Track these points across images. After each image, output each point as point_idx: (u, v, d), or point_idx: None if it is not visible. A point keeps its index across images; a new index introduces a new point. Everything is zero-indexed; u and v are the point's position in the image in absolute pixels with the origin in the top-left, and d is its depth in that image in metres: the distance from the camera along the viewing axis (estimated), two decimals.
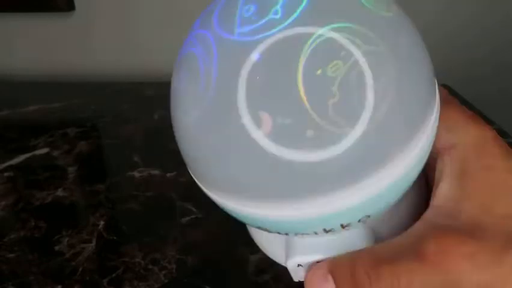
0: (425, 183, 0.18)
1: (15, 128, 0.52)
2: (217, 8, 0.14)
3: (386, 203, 0.14)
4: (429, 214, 0.15)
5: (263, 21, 0.12)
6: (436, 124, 0.15)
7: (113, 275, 0.29)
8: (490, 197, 0.15)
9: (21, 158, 0.44)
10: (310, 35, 0.12)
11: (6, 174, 0.41)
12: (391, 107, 0.12)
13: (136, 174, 0.41)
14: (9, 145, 0.47)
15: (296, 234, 0.15)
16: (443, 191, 0.15)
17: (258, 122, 0.12)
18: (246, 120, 0.12)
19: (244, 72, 0.12)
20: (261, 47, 0.12)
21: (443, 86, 0.58)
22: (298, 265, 0.16)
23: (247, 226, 0.19)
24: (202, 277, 0.28)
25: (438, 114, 0.15)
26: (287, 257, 0.16)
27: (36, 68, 0.69)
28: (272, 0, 0.13)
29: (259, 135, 0.12)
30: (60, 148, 0.46)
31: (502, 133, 0.48)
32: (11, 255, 0.31)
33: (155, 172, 0.40)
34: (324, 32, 0.12)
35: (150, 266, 0.29)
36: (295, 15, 0.12)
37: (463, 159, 0.16)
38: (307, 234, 0.15)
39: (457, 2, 0.61)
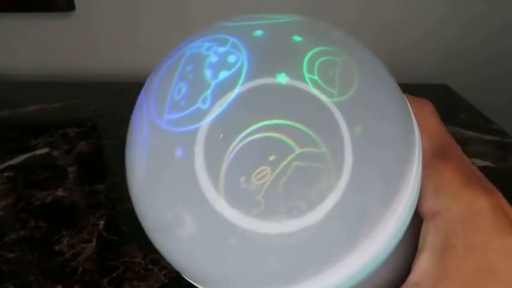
0: (408, 243, 0.16)
1: (15, 128, 0.52)
2: (161, 72, 0.13)
3: (364, 276, 0.13)
4: None
5: (190, 110, 0.11)
6: (412, 200, 0.13)
7: (113, 275, 0.29)
8: (473, 283, 0.13)
9: (21, 158, 0.44)
10: (236, 133, 0.11)
11: (6, 174, 0.41)
12: (339, 208, 0.11)
13: None
14: (9, 145, 0.47)
15: None
16: (422, 266, 0.14)
17: (179, 224, 0.11)
18: (168, 217, 0.12)
19: (165, 167, 0.11)
20: (184, 143, 0.11)
21: (442, 86, 0.58)
22: None
23: None
24: None
25: (415, 190, 0.13)
26: None
27: (36, 68, 0.69)
28: (202, 83, 0.11)
29: (183, 234, 0.11)
30: (60, 148, 0.46)
31: (502, 133, 0.48)
32: (11, 255, 0.31)
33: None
34: (252, 130, 0.10)
35: (150, 266, 0.29)
36: (223, 106, 0.11)
37: (447, 232, 0.13)
38: None
39: (459, 5, 0.61)
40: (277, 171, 0.10)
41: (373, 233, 0.12)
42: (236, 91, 0.11)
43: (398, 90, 0.13)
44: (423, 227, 0.14)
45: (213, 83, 0.11)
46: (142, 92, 0.13)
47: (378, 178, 0.11)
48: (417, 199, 0.13)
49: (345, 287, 0.12)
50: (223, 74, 0.11)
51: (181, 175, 0.11)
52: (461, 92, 0.60)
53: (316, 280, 0.12)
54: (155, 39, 0.66)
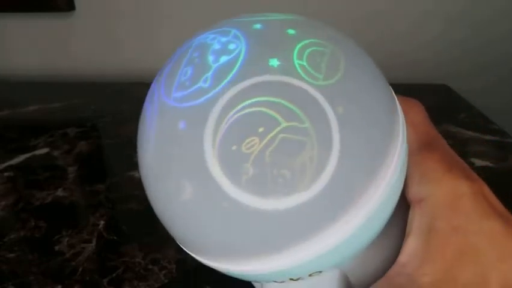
0: (401, 229, 0.17)
1: (15, 128, 0.52)
2: (172, 60, 0.14)
3: (348, 253, 0.14)
4: (393, 272, 0.15)
5: (193, 88, 0.13)
6: (397, 172, 0.14)
7: (113, 275, 0.29)
8: (455, 263, 0.14)
9: (21, 158, 0.44)
10: (231, 108, 0.12)
11: (6, 174, 0.41)
12: (324, 181, 0.12)
13: (136, 174, 0.41)
14: (9, 145, 0.47)
15: (262, 283, 0.15)
16: (410, 248, 0.15)
17: (180, 189, 0.13)
18: (171, 184, 0.13)
19: (170, 138, 0.13)
20: (186, 116, 0.13)
21: (442, 86, 0.58)
22: None
23: None
24: (202, 277, 0.28)
25: (400, 159, 0.14)
26: None
27: (36, 68, 0.69)
28: (205, 66, 0.13)
29: (183, 198, 0.13)
30: (60, 148, 0.46)
31: (502, 133, 0.48)
32: (11, 255, 0.31)
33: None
34: (244, 106, 0.12)
35: (150, 266, 0.29)
36: (221, 85, 0.12)
37: (432, 216, 0.14)
38: (275, 282, 0.15)
39: (460, 6, 0.61)
40: (264, 141, 0.12)
41: (359, 203, 0.13)
42: (233, 73, 0.12)
43: (383, 78, 0.15)
44: (410, 212, 0.15)
45: (214, 66, 0.13)
46: (153, 82, 0.15)
47: (365, 153, 0.13)
48: (403, 177, 0.14)
49: (334, 258, 0.14)
50: (223, 59, 0.13)
51: (183, 144, 0.12)
52: (461, 92, 0.60)
53: (305, 247, 0.13)
54: (155, 39, 0.66)
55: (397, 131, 0.14)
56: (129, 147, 0.46)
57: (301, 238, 0.12)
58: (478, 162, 0.42)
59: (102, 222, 0.34)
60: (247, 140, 0.12)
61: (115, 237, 0.32)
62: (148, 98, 0.15)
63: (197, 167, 0.12)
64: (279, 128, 0.12)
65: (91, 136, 0.49)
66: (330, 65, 0.13)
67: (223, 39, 0.13)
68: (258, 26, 0.14)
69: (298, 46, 0.13)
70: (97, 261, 0.30)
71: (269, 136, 0.12)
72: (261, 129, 0.12)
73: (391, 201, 0.14)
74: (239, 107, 0.12)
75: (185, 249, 0.16)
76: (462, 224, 0.14)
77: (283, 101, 0.12)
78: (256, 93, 0.12)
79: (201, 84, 0.13)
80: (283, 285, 0.16)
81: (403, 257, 0.15)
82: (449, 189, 0.14)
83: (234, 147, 0.12)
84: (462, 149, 0.44)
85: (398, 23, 0.63)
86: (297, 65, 0.12)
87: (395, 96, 0.15)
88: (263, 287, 0.17)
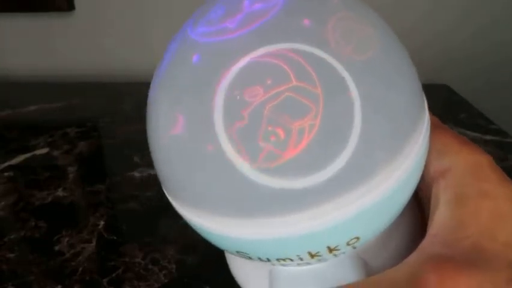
0: (419, 213, 0.17)
1: (15, 128, 0.52)
2: (208, 1, 0.14)
3: (375, 223, 0.13)
4: (426, 243, 0.14)
5: (218, 27, 0.12)
6: (428, 135, 0.14)
7: (113, 275, 0.29)
8: (490, 225, 0.14)
9: (21, 158, 0.44)
10: (247, 51, 0.12)
11: (6, 174, 0.41)
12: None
13: (136, 174, 0.41)
14: (9, 145, 0.47)
15: (279, 260, 0.13)
16: (440, 219, 0.14)
17: (172, 122, 0.12)
18: (164, 119, 0.13)
19: (180, 69, 0.13)
20: (203, 51, 0.12)
21: (444, 87, 0.58)
22: None
23: (228, 260, 0.18)
24: (202, 277, 0.28)
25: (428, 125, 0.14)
26: None
27: (36, 68, 0.69)
28: (239, 9, 0.13)
29: (174, 132, 0.12)
30: (61, 148, 0.46)
31: (502, 133, 0.48)
32: (11, 255, 0.31)
33: (156, 172, 0.40)
34: (260, 55, 0.11)
35: (150, 266, 0.29)
36: (245, 30, 0.12)
37: (458, 184, 0.15)
38: (292, 260, 0.13)
39: (460, 5, 0.61)
40: (269, 94, 0.11)
41: (376, 181, 0.12)
42: (261, 22, 0.12)
43: (412, 64, 0.14)
44: (434, 187, 0.15)
45: (246, 10, 0.12)
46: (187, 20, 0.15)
47: (387, 134, 0.12)
48: (425, 157, 0.14)
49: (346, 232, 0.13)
50: (257, 7, 0.12)
51: (190, 78, 0.12)
52: (461, 92, 0.60)
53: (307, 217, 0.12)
54: (155, 39, 0.66)
55: (424, 110, 0.14)
56: (129, 147, 0.46)
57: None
58: None
59: (102, 222, 0.34)
60: (252, 88, 0.11)
61: (115, 237, 0.32)
62: (178, 32, 0.15)
63: (195, 103, 0.12)
64: (288, 86, 0.11)
65: (91, 136, 0.49)
66: (363, 42, 0.12)
67: None
68: None
69: (338, 15, 0.12)
70: (97, 261, 0.30)
71: (275, 90, 0.11)
72: (269, 81, 0.11)
73: (415, 176, 0.14)
74: (255, 54, 0.11)
75: (175, 204, 0.15)
76: (489, 189, 0.14)
77: (301, 61, 0.11)
78: (277, 46, 0.11)
79: (227, 24, 0.12)
80: (298, 268, 0.14)
81: (434, 230, 0.14)
82: (469, 159, 0.15)
83: (236, 92, 0.11)
84: None
85: (399, 22, 0.63)
86: (329, 31, 0.12)
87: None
88: (272, 274, 0.15)
